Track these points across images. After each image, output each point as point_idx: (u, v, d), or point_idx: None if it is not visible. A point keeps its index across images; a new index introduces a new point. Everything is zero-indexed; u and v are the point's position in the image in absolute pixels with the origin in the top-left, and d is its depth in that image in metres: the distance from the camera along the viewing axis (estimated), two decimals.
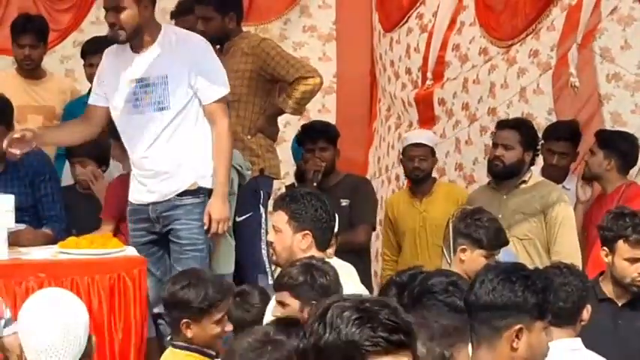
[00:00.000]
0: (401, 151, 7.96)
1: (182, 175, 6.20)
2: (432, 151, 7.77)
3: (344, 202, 7.37)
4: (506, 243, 5.96)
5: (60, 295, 4.24)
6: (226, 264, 6.56)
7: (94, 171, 7.16)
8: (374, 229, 7.96)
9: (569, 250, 6.76)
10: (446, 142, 8.45)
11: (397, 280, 4.26)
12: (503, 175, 7.04)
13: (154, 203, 6.23)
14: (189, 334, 4.81)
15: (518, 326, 3.67)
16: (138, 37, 6.15)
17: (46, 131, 6.59)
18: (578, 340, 4.77)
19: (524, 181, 7.03)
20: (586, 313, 4.85)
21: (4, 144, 6.01)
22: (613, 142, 7.11)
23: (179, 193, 6.20)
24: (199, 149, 6.21)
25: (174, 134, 6.15)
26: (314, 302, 4.54)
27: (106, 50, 6.40)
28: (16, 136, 6.03)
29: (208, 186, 6.22)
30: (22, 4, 9.08)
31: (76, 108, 7.70)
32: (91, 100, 6.43)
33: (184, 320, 4.80)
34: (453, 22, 8.57)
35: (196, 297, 4.77)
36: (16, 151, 6.01)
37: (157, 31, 6.20)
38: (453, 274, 4.48)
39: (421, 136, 7.99)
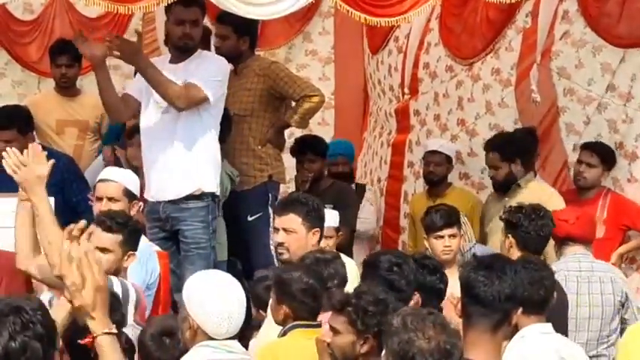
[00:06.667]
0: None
1: (188, 178, 6.02)
2: (447, 158, 7.54)
3: (328, 207, 7.03)
4: None
5: (226, 276, 4.16)
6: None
7: None
8: (353, 231, 7.62)
9: None
10: (421, 148, 8.10)
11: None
12: (499, 187, 7.10)
13: (164, 203, 6.04)
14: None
15: (520, 310, 3.61)
16: (185, 53, 6.07)
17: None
18: (549, 324, 4.49)
19: (519, 185, 6.97)
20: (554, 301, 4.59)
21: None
22: (610, 156, 6.92)
23: (185, 197, 6.02)
24: (205, 156, 6.04)
25: (182, 139, 6.00)
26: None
27: (155, 59, 6.37)
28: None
29: (212, 190, 6.05)
30: (63, 32, 8.82)
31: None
32: (127, 89, 6.26)
33: None
34: (421, 42, 8.31)
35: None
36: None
37: (195, 52, 6.14)
38: (401, 256, 4.53)
39: (437, 144, 7.75)
